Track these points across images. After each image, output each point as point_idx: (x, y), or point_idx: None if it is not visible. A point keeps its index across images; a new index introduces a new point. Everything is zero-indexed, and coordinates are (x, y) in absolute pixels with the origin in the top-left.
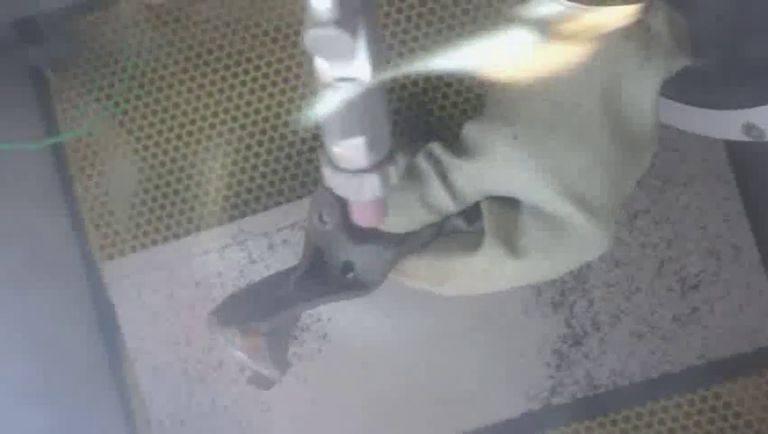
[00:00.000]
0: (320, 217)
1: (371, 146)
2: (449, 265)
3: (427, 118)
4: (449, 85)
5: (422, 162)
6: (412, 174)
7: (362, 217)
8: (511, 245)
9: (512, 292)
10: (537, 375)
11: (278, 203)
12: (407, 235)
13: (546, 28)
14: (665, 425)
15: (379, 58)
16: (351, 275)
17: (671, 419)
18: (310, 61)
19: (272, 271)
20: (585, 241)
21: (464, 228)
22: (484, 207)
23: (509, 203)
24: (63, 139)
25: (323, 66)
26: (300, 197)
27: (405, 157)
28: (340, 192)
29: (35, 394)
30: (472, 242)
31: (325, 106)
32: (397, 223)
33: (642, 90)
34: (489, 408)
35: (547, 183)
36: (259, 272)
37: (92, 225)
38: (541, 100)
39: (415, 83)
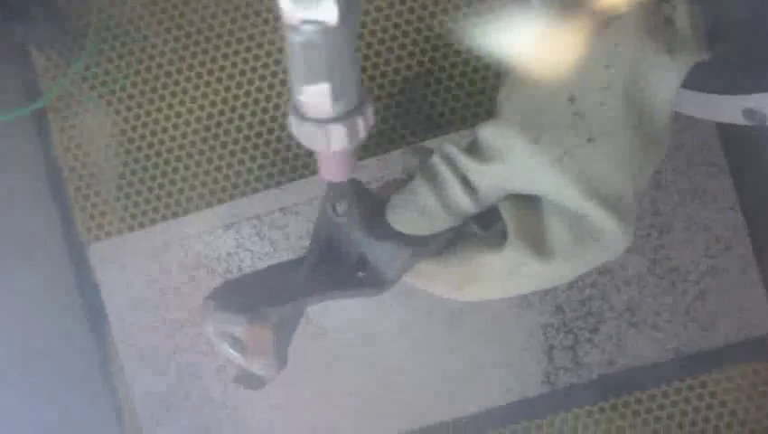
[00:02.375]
0: (334, 208)
1: (338, 95)
2: (470, 267)
3: (421, 104)
4: (442, 69)
5: (439, 164)
6: (429, 176)
7: (328, 170)
8: (537, 245)
9: None
10: (528, 363)
11: (267, 187)
12: (427, 237)
13: (555, 14)
14: (651, 413)
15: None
16: (362, 274)
17: (658, 407)
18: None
19: (260, 256)
20: (612, 241)
21: (480, 233)
22: (503, 208)
23: (529, 202)
24: (45, 102)
25: (287, 5)
26: (290, 181)
27: (412, 158)
28: (304, 142)
29: (18, 379)
30: (493, 244)
31: (290, 50)
32: (417, 226)
33: (664, 86)
34: (481, 395)
35: (572, 185)
36: (247, 256)
37: (78, 206)
38: (561, 101)
39: (408, 67)
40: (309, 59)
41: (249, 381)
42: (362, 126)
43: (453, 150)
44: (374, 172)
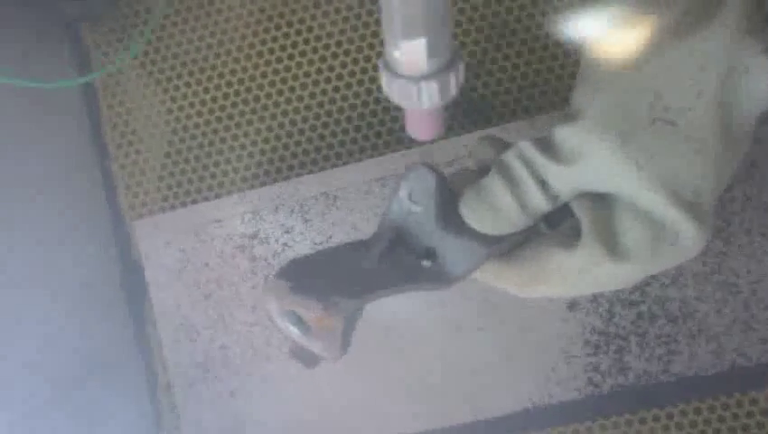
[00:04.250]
0: (410, 196)
1: (433, 50)
2: (539, 266)
3: (471, 95)
4: (494, 61)
5: (516, 165)
6: (505, 175)
7: (417, 127)
8: (612, 246)
9: None
10: (571, 366)
11: (311, 171)
12: (501, 237)
13: (643, 9)
14: (696, 428)
15: None
16: (427, 263)
17: (704, 422)
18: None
19: (303, 240)
20: (688, 244)
21: (548, 232)
22: (577, 207)
23: (604, 200)
24: (95, 76)
25: None
26: (334, 166)
27: (486, 149)
28: (396, 99)
29: (61, 346)
30: (565, 243)
31: (387, 5)
32: (492, 225)
33: (760, 88)
34: (520, 395)
35: (654, 188)
36: (290, 239)
37: (123, 184)
38: (649, 103)
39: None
40: (407, 13)
41: (304, 357)
42: (454, 82)
43: (530, 150)
44: (418, 161)
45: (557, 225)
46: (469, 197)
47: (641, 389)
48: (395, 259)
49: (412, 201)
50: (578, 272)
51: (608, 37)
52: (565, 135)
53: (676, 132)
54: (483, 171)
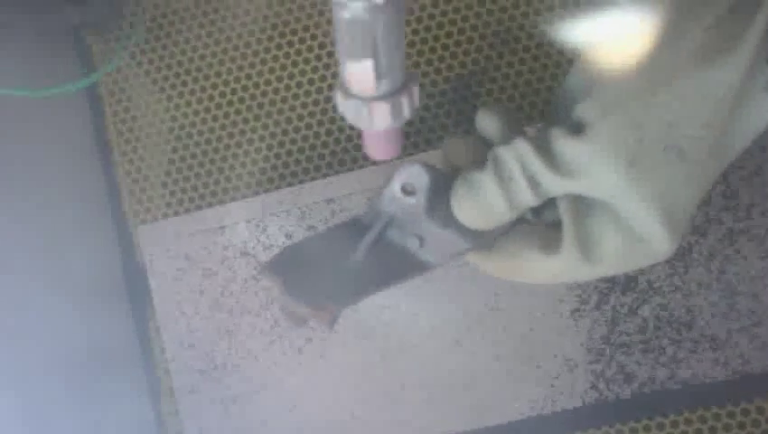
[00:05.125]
0: (403, 188)
1: (381, 72)
2: (518, 264)
3: (474, 103)
4: (497, 68)
5: (513, 167)
6: (500, 174)
7: (372, 148)
8: (589, 252)
9: (554, 293)
10: (573, 373)
11: (314, 178)
12: (487, 231)
13: (663, 33)
14: None
15: None
16: (414, 242)
17: (709, 430)
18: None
19: None
20: (657, 253)
21: (532, 220)
22: (563, 207)
23: (586, 201)
24: (97, 78)
25: None
26: (337, 173)
27: (492, 120)
28: (349, 119)
29: (62, 350)
30: (545, 243)
31: (336, 26)
32: (481, 222)
33: (760, 117)
34: (519, 403)
35: (653, 211)
36: None
37: (127, 190)
38: (662, 129)
39: (463, 64)
40: (354, 35)
41: (296, 320)
42: (407, 105)
43: (529, 155)
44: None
45: (542, 213)
46: (460, 189)
47: (646, 397)
48: (382, 250)
49: (404, 193)
50: (556, 274)
51: (621, 55)
52: (569, 148)
53: (682, 160)
54: (485, 142)
